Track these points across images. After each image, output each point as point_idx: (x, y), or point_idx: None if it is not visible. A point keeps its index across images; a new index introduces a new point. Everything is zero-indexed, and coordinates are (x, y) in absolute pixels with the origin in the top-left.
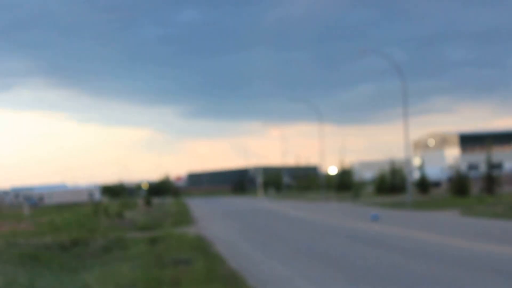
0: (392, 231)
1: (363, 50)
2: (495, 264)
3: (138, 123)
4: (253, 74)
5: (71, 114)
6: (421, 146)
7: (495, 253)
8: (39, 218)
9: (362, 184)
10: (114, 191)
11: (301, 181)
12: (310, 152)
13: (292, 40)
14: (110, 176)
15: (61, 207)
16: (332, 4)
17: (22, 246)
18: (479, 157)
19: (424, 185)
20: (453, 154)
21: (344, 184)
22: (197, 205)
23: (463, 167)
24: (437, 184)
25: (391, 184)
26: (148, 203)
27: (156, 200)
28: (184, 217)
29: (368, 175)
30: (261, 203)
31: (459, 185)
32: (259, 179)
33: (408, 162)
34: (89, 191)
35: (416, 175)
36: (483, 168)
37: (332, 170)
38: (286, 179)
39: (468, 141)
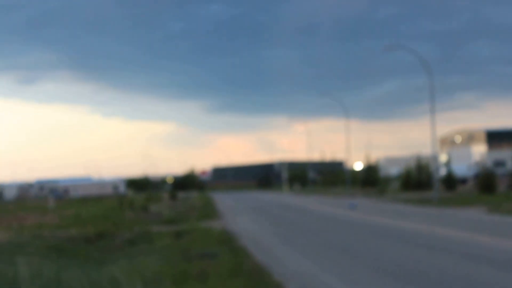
0: (418, 228)
1: (389, 47)
2: None
3: (163, 117)
4: (279, 70)
5: (96, 107)
6: (447, 142)
7: None
8: (64, 211)
9: (387, 180)
10: (139, 185)
11: (326, 176)
12: (335, 147)
13: (319, 36)
14: (135, 169)
15: (85, 200)
16: (359, 0)
17: (48, 239)
18: (506, 154)
19: (450, 181)
20: (479, 150)
21: (370, 179)
22: (222, 200)
23: (490, 164)
24: (463, 181)
25: (417, 181)
26: (173, 197)
27: (181, 194)
28: (209, 211)
29: (393, 171)
30: (287, 198)
31: (485, 182)
32: (284, 174)
33: (434, 158)
34: (114, 184)
35: (442, 171)
36: (510, 165)
37: (358, 166)
38: (311, 174)
39: (495, 138)
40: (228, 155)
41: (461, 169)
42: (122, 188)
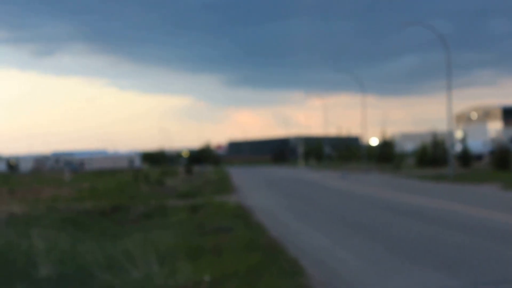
0: (433, 204)
1: (407, 23)
2: None
3: (179, 90)
4: (296, 44)
5: (112, 80)
6: (463, 119)
7: None
8: (80, 184)
9: (403, 156)
10: (155, 159)
11: (342, 151)
12: (351, 123)
13: (337, 10)
14: (151, 143)
15: (101, 173)
16: None
17: (63, 211)
18: None
19: (466, 158)
20: (495, 127)
21: (385, 155)
22: (237, 174)
23: (506, 141)
24: (479, 157)
25: (433, 157)
26: (188, 171)
27: (196, 168)
28: (225, 186)
29: (409, 147)
30: (302, 173)
31: (501, 158)
32: (300, 149)
33: (450, 135)
34: (130, 158)
35: (458, 148)
36: None
37: (374, 141)
38: (327, 150)
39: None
40: (244, 130)
41: (476, 145)
42: (137, 162)
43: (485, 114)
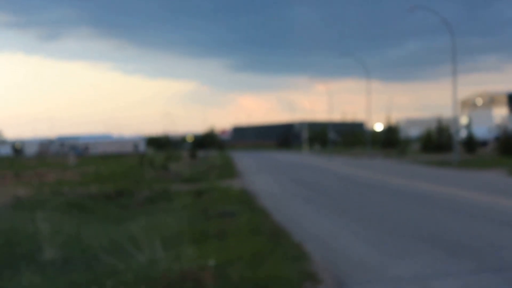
0: (437, 190)
1: (412, 8)
2: None
3: (184, 75)
4: (301, 29)
5: (117, 64)
6: (468, 105)
7: None
8: (84, 168)
9: (408, 142)
10: (159, 143)
11: (346, 137)
12: (356, 108)
13: None
14: (155, 128)
15: (106, 157)
16: None
17: (68, 195)
18: None
19: (470, 144)
20: (501, 113)
21: (390, 141)
22: (242, 159)
23: (511, 127)
24: (484, 143)
25: (438, 142)
26: (193, 155)
27: (200, 153)
28: (229, 170)
29: (414, 132)
30: (306, 158)
31: (506, 144)
32: (304, 134)
33: (455, 120)
34: (134, 142)
35: (463, 134)
36: None
37: (378, 127)
38: (331, 135)
39: None
40: (248, 115)
41: (481, 131)
42: (142, 146)
43: (490, 100)
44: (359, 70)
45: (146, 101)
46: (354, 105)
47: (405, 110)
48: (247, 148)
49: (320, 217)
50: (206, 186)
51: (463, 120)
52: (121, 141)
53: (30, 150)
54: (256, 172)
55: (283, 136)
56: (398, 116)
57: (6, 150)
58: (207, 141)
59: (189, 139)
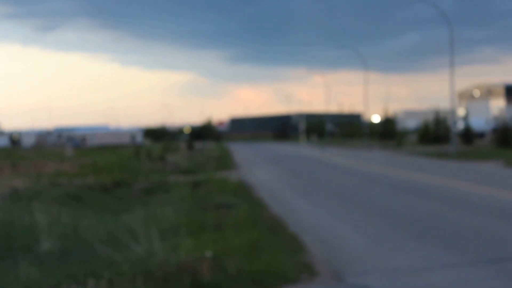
0: (435, 181)
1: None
2: None
3: (181, 67)
4: (298, 20)
5: (115, 56)
6: (466, 96)
7: None
8: (82, 159)
9: (405, 133)
10: (157, 135)
11: (344, 128)
12: (353, 99)
13: None
14: (153, 119)
15: (103, 149)
16: None
17: (65, 186)
18: None
19: (468, 135)
20: (498, 105)
21: (387, 132)
22: (239, 150)
23: (508, 119)
24: (481, 135)
25: (435, 134)
26: (190, 147)
27: (198, 145)
28: (226, 162)
29: (411, 124)
30: (303, 149)
31: (503, 136)
32: (302, 126)
33: (453, 112)
34: (132, 134)
35: (460, 125)
36: None
37: (376, 118)
38: (329, 126)
39: None
40: (246, 106)
41: (479, 123)
42: (139, 138)
43: (488, 92)
44: (357, 61)
45: (143, 92)
46: (351, 97)
47: (403, 101)
48: (244, 140)
49: (316, 208)
50: (203, 178)
51: (461, 112)
52: (118, 132)
53: (28, 141)
54: (253, 164)
55: (280, 128)
56: (395, 107)
57: (4, 141)
58: (204, 132)
59: (187, 131)
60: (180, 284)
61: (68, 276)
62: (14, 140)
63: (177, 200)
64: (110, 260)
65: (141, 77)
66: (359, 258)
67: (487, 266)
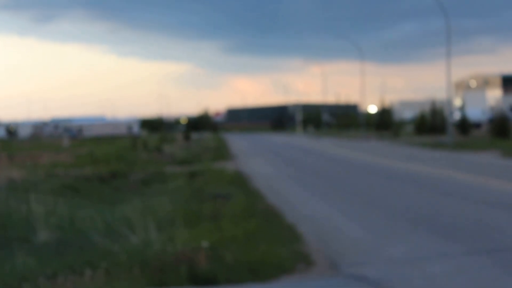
0: (431, 172)
1: None
2: None
3: (178, 57)
4: (295, 10)
5: (112, 47)
6: (462, 87)
7: None
8: (78, 150)
9: (402, 124)
10: (153, 125)
11: (340, 119)
12: (350, 90)
13: None
14: (149, 110)
15: (99, 140)
16: None
17: (62, 177)
18: None
19: (464, 126)
20: (494, 95)
21: (384, 123)
22: (236, 141)
23: (505, 109)
24: (477, 125)
25: (431, 124)
26: (187, 137)
27: (194, 135)
28: (223, 152)
29: (408, 114)
30: (300, 140)
31: (500, 126)
32: (299, 116)
33: (449, 102)
34: (128, 125)
35: (456, 116)
36: None
37: (372, 109)
38: (325, 117)
39: (511, 82)
40: (242, 97)
41: (475, 113)
42: (136, 129)
43: (484, 82)
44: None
45: (140, 83)
46: (348, 87)
47: (399, 92)
48: (241, 130)
49: (313, 199)
50: (200, 168)
51: (457, 102)
52: (115, 123)
53: (24, 132)
54: (250, 154)
55: (277, 118)
56: (392, 98)
57: (0, 132)
58: (201, 123)
59: (183, 121)
60: (176, 274)
61: (65, 266)
62: (11, 131)
63: (174, 190)
64: (107, 250)
65: (138, 68)
66: (355, 248)
67: (483, 255)
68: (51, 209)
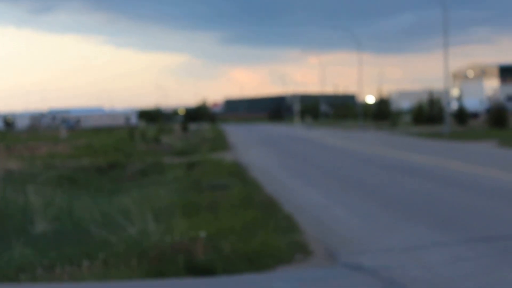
0: (428, 161)
1: None
2: None
3: (176, 48)
4: (292, 1)
5: (109, 37)
6: (460, 77)
7: None
8: (76, 141)
9: (399, 114)
10: (151, 116)
11: (338, 109)
12: (348, 80)
13: None
14: (147, 101)
15: (97, 131)
16: None
17: (60, 168)
18: None
19: (462, 116)
20: (492, 85)
21: (382, 113)
22: (234, 132)
23: (502, 99)
24: (475, 115)
25: (429, 115)
26: (184, 128)
27: (192, 126)
28: (221, 143)
29: (405, 104)
30: (298, 130)
31: (497, 116)
32: (296, 107)
33: (446, 92)
34: (126, 115)
35: (454, 106)
36: None
37: (370, 99)
38: (323, 107)
39: (508, 72)
40: (240, 87)
41: (473, 103)
42: (133, 119)
43: (482, 72)
44: (351, 42)
45: (137, 74)
46: (346, 78)
47: (397, 82)
48: (239, 121)
49: (311, 189)
50: (198, 159)
51: (454, 92)
52: (112, 114)
53: (22, 124)
54: (248, 145)
55: (275, 109)
56: (389, 88)
57: None
58: (198, 114)
59: (181, 112)
60: (174, 264)
61: (63, 257)
62: (8, 122)
63: (172, 181)
64: (105, 241)
65: (135, 58)
66: (353, 238)
67: (479, 244)
68: (49, 200)
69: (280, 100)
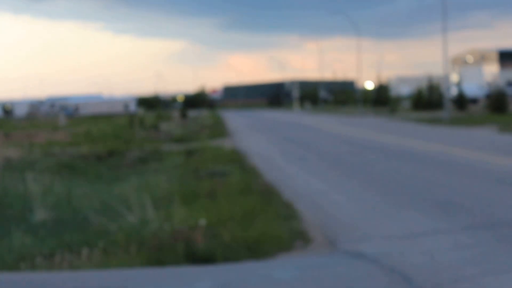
0: (428, 147)
1: None
2: None
3: (175, 34)
4: None
5: (107, 24)
6: (459, 62)
7: None
8: (75, 128)
9: (398, 100)
10: (150, 103)
11: (337, 95)
12: (347, 66)
13: None
14: (146, 87)
15: (96, 118)
16: None
17: (59, 156)
18: None
19: (461, 101)
20: (491, 70)
21: (381, 99)
22: (233, 118)
23: (502, 84)
24: (474, 100)
25: (428, 100)
26: (183, 115)
27: (191, 113)
28: (220, 130)
29: (405, 90)
30: (297, 117)
31: (497, 102)
32: (295, 93)
33: (446, 78)
34: (125, 103)
35: (453, 91)
36: None
37: (369, 85)
38: (322, 93)
39: (508, 58)
40: (239, 74)
41: (472, 89)
42: (132, 107)
43: (481, 57)
44: (350, 28)
45: (136, 61)
46: (345, 64)
47: (396, 68)
48: (238, 107)
49: (311, 176)
50: (197, 146)
51: (454, 78)
52: (111, 101)
53: (20, 111)
54: (247, 131)
55: (274, 95)
56: (388, 74)
57: None
58: (197, 100)
59: (180, 99)
60: (174, 252)
61: (62, 245)
62: (6, 110)
63: (171, 168)
64: (104, 229)
65: (133, 45)
66: (352, 225)
67: (481, 230)
68: (48, 188)
69: (279, 86)
